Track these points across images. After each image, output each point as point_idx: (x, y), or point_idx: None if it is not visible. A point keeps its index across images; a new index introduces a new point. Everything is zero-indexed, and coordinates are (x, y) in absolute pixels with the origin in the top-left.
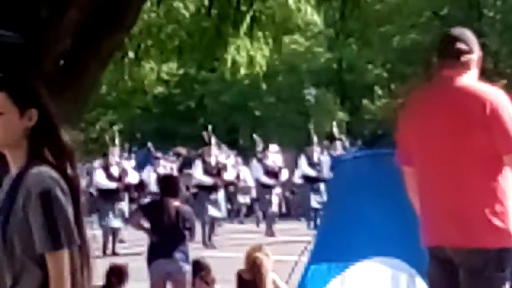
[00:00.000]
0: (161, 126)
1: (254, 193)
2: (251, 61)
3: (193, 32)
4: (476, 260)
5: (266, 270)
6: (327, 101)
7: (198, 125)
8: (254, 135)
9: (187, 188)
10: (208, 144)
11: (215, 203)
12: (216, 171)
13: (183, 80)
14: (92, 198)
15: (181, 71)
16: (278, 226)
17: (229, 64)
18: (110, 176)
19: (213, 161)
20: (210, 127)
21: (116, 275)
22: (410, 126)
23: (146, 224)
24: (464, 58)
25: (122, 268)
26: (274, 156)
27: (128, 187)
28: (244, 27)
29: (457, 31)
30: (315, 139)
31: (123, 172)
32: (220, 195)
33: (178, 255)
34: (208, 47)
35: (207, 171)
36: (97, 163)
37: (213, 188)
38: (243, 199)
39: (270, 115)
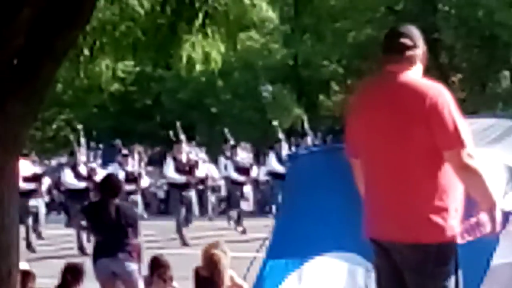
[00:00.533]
0: (118, 124)
1: (223, 191)
2: (206, 58)
3: (147, 30)
4: (416, 256)
5: (223, 267)
6: (283, 97)
7: (154, 123)
8: (226, 130)
9: None
10: (177, 141)
11: (189, 201)
12: (188, 168)
13: (140, 78)
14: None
15: (137, 69)
16: (250, 223)
17: (184, 61)
18: (78, 176)
19: (184, 159)
20: (178, 123)
21: (72, 273)
22: (356, 119)
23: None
24: (408, 53)
25: (77, 266)
26: (242, 153)
27: (97, 186)
28: (198, 24)
29: (403, 26)
30: (281, 135)
31: (92, 171)
32: (193, 193)
33: (121, 254)
34: (162, 44)
35: (178, 169)
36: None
37: (185, 186)
38: (213, 196)
39: (227, 112)
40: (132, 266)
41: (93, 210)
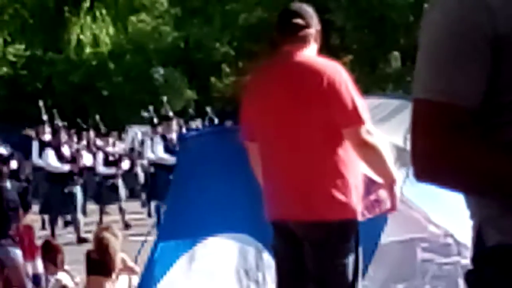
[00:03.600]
0: (8, 108)
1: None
2: (95, 40)
3: (35, 12)
4: (319, 232)
5: (114, 250)
6: (175, 79)
7: (46, 107)
8: (150, 107)
9: None
10: (167, 119)
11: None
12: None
13: (30, 61)
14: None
15: (28, 53)
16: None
17: (73, 43)
18: None
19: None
20: (165, 98)
21: None
22: (252, 101)
23: None
24: (301, 33)
25: None
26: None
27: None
28: (86, 6)
29: (295, 5)
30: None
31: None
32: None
33: (4, 240)
34: (51, 27)
35: (168, 149)
36: None
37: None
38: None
39: (118, 94)
40: (15, 251)
41: None
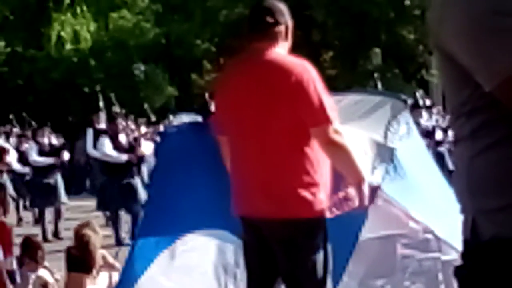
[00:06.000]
0: None
1: None
2: (76, 36)
3: (16, 9)
4: (285, 230)
5: (94, 246)
6: (156, 76)
7: (27, 104)
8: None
9: None
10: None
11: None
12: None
13: (11, 58)
14: None
15: (8, 49)
16: None
17: (54, 40)
18: None
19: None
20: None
21: None
22: (223, 97)
23: None
24: (270, 30)
25: None
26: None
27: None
28: (66, 2)
29: (267, 2)
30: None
31: None
32: None
33: None
34: (31, 23)
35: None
36: None
37: None
38: None
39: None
40: None
41: None
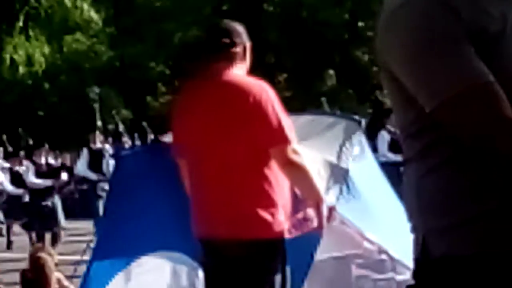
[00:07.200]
0: None
1: None
2: (29, 60)
3: None
4: (244, 251)
5: (50, 270)
6: (111, 99)
7: None
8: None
9: None
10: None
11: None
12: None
13: None
14: None
15: None
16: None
17: (7, 63)
18: None
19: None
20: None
21: None
22: (180, 119)
23: None
24: (226, 51)
25: None
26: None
27: None
28: (19, 26)
29: (224, 23)
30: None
31: None
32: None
33: None
34: None
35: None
36: None
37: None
38: None
39: (54, 114)
40: None
41: None
